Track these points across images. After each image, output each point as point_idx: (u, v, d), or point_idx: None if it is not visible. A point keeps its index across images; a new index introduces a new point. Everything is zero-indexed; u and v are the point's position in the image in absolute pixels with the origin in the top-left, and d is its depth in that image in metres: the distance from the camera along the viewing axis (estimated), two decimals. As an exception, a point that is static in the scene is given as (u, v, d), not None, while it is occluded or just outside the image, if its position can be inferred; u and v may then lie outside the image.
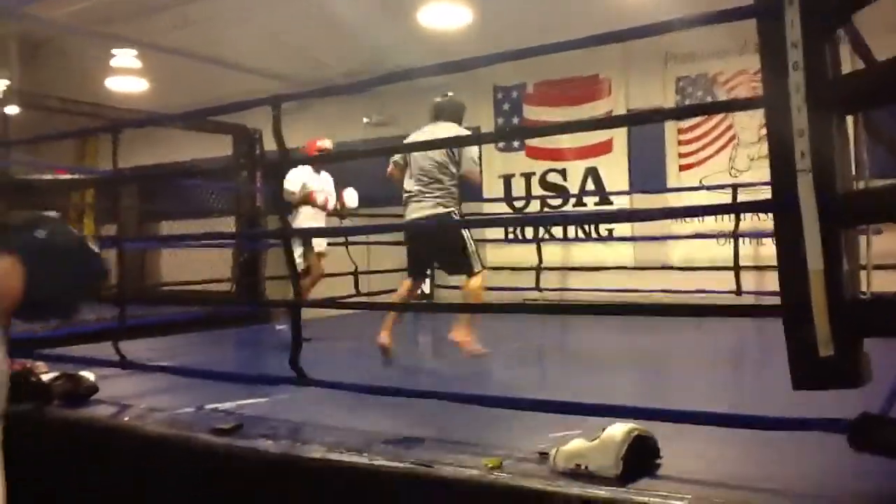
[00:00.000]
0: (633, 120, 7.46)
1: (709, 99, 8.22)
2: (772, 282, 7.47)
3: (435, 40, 7.28)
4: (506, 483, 2.34)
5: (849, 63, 2.48)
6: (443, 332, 5.25)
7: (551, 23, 7.66)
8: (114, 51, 8.86)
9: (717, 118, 8.15)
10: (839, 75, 2.23)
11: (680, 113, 8.04)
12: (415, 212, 4.91)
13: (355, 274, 8.27)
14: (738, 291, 7.35)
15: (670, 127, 8.32)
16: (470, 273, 4.89)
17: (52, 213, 1.68)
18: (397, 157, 5.12)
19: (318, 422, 3.13)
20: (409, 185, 5.01)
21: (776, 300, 2.30)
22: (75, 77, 9.17)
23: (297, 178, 6.15)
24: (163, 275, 10.60)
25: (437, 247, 5.07)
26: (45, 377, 3.80)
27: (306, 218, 6.40)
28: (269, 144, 7.92)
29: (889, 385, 2.36)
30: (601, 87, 8.70)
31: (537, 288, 8.59)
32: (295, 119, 3.67)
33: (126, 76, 9.09)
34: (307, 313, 3.86)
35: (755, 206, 3.17)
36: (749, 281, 7.43)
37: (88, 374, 3.82)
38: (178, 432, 3.03)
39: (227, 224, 8.52)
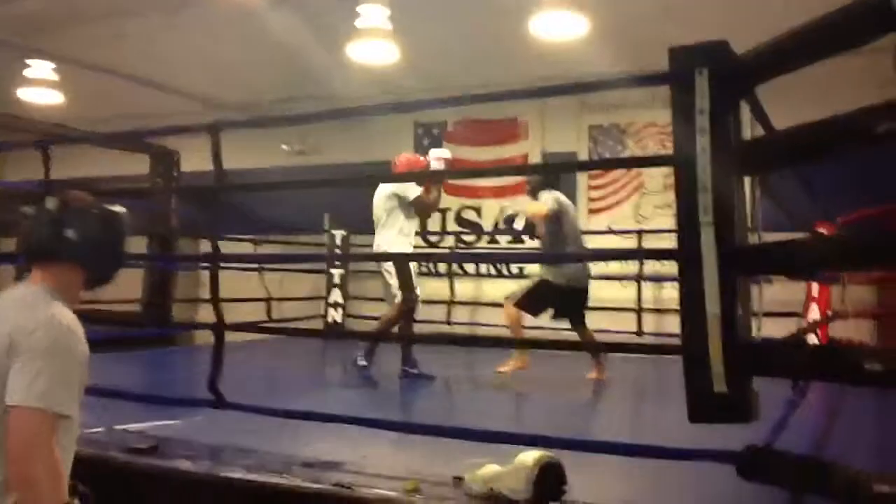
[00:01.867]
0: (548, 169, 7.75)
1: (619, 147, 8.66)
2: (670, 324, 7.91)
3: (363, 71, 7.42)
4: (423, 504, 2.45)
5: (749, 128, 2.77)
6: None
7: (475, 60, 7.98)
8: (28, 61, 8.61)
9: (624, 167, 8.57)
10: (740, 141, 2.48)
11: (596, 165, 8.44)
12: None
13: (268, 300, 8.24)
14: (640, 332, 7.72)
15: (582, 173, 8.69)
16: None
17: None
18: None
19: (235, 444, 3.17)
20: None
21: (675, 341, 2.51)
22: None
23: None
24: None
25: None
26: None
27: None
28: (186, 165, 7.95)
29: (773, 420, 2.60)
30: (519, 129, 9.03)
31: (448, 322, 8.75)
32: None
33: (40, 87, 8.84)
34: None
35: (661, 254, 3.43)
36: (649, 322, 7.81)
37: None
38: (95, 452, 3.01)
39: (137, 243, 8.36)
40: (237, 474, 2.76)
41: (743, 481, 2.37)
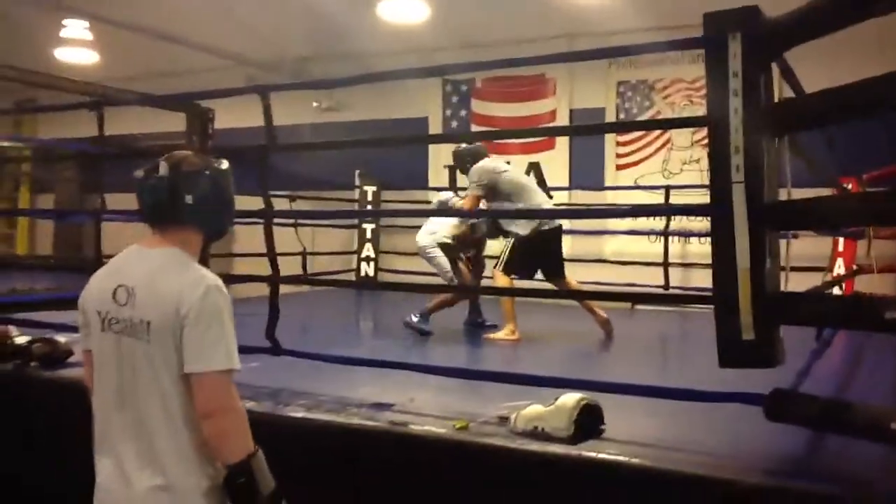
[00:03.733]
0: (579, 130, 7.87)
1: (646, 103, 8.71)
2: (696, 279, 8.00)
3: (391, 28, 7.52)
4: (473, 441, 2.68)
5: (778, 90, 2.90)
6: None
7: (503, 17, 8.03)
8: (64, 21, 8.79)
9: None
10: (771, 102, 2.62)
11: (632, 126, 8.49)
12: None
13: (304, 254, 8.47)
14: (667, 286, 7.86)
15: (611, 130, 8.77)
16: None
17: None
18: None
19: (292, 388, 3.40)
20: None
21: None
22: (21, 46, 9.06)
23: None
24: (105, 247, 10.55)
25: None
26: (19, 340, 3.97)
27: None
28: (220, 123, 8.10)
29: (798, 367, 2.78)
30: (547, 86, 9.09)
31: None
32: (244, 99, 3.89)
33: (76, 47, 9.02)
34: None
35: (694, 210, 3.56)
36: (675, 277, 7.96)
37: (62, 339, 3.99)
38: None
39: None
40: (298, 413, 2.99)
41: (769, 422, 2.56)
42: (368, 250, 9.47)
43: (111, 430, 1.96)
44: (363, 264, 9.43)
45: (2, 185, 12.77)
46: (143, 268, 1.96)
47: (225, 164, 2.12)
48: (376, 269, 9.47)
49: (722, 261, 2.63)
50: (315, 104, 10.32)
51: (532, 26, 8.08)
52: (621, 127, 8.49)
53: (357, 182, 9.54)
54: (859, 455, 2.42)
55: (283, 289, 3.69)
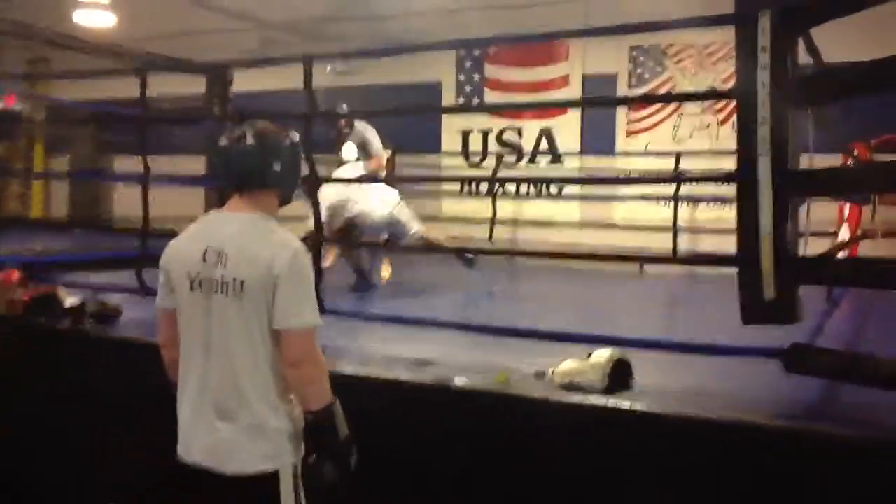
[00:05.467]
0: (603, 101, 7.98)
1: (658, 69, 8.83)
2: (705, 244, 8.18)
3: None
4: (516, 393, 2.89)
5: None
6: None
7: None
8: (82, -17, 8.85)
9: (665, 89, 8.76)
10: (797, 76, 2.79)
11: (659, 99, 8.62)
12: None
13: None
14: (675, 252, 8.06)
15: (621, 95, 8.90)
16: None
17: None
18: None
19: (338, 346, 3.60)
20: None
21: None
22: (38, 9, 9.14)
23: None
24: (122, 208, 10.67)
25: None
26: (70, 300, 4.18)
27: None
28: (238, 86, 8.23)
29: (811, 325, 2.99)
30: (560, 50, 9.20)
31: (490, 240, 9.11)
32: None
33: (94, 9, 9.09)
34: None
35: (720, 178, 3.73)
36: (683, 241, 8.16)
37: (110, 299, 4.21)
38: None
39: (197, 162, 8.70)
40: (348, 370, 3.20)
41: (786, 374, 2.77)
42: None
43: (197, 380, 2.15)
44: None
45: (16, 144, 12.86)
46: (231, 230, 2.14)
47: (297, 136, 2.32)
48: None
49: (746, 226, 2.82)
50: (329, 67, 10.40)
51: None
52: (645, 100, 8.62)
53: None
54: (873, 402, 2.64)
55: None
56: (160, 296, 2.26)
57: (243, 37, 10.15)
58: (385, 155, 6.18)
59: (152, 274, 4.58)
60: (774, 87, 2.71)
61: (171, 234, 2.28)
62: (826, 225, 6.93)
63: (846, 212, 7.18)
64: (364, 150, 6.71)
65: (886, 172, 2.84)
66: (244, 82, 7.81)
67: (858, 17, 2.78)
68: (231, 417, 2.10)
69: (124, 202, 10.32)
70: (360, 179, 5.77)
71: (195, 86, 8.85)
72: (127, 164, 11.09)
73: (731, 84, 7.76)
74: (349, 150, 6.54)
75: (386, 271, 6.80)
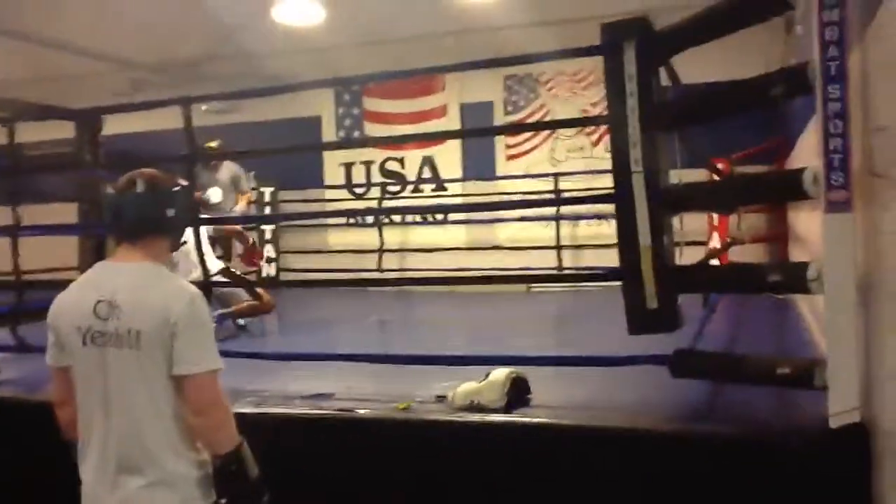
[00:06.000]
0: (482, 132, 8.25)
1: (532, 95, 9.15)
2: (587, 258, 8.49)
3: (286, 30, 7.59)
4: (418, 419, 2.94)
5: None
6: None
7: (395, 15, 8.22)
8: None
9: (539, 115, 9.07)
10: (662, 102, 2.99)
11: (536, 127, 8.90)
12: None
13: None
14: (560, 267, 8.35)
15: (499, 122, 9.17)
16: None
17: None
18: None
19: (232, 387, 3.53)
20: None
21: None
22: None
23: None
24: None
25: None
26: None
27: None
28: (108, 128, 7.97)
29: (694, 328, 3.19)
30: (437, 82, 9.37)
31: (379, 269, 9.14)
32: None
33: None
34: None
35: (600, 198, 3.91)
36: (566, 258, 8.46)
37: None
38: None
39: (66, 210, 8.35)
40: (247, 409, 3.15)
41: (672, 379, 2.94)
42: (269, 251, 9.52)
43: (98, 439, 2.08)
44: (264, 265, 9.47)
45: None
46: (124, 281, 2.09)
47: (185, 182, 2.31)
48: (278, 269, 9.54)
49: (626, 240, 2.99)
50: (204, 107, 10.20)
51: (422, 23, 8.32)
52: (520, 129, 8.91)
53: (253, 183, 9.54)
54: (754, 400, 2.84)
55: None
56: (50, 354, 2.18)
57: (113, 80, 9.84)
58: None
59: (29, 329, 4.42)
60: (643, 112, 2.89)
61: (48, 286, 2.21)
62: (697, 235, 7.39)
63: (715, 221, 7.67)
64: (235, 186, 6.72)
65: (742, 186, 3.09)
66: (114, 125, 7.58)
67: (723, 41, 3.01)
68: (136, 472, 2.04)
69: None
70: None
71: (64, 131, 8.54)
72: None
73: (600, 107, 8.17)
74: (215, 193, 6.56)
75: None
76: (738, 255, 6.97)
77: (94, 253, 8.15)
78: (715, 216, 7.39)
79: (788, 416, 2.77)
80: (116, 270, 2.15)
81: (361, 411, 3.06)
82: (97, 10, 7.99)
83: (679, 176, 3.36)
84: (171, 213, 2.16)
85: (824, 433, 2.37)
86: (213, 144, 6.47)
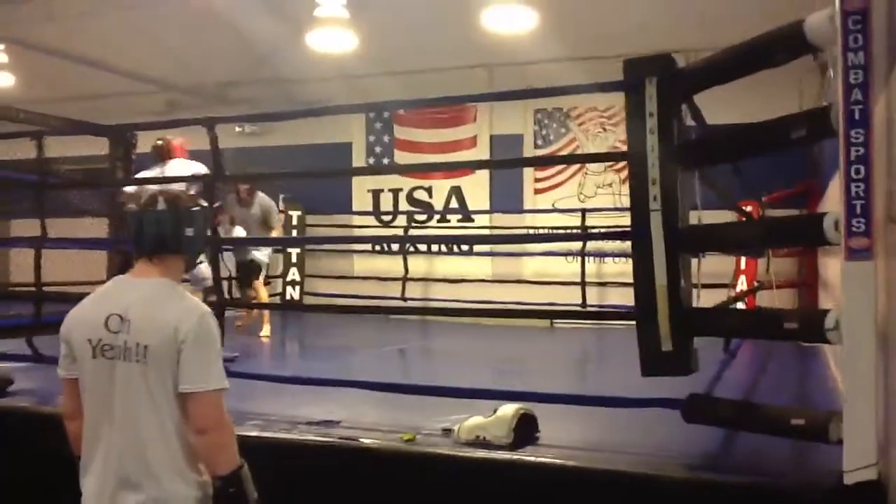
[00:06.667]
0: (510, 163, 8.30)
1: (562, 130, 9.13)
2: (612, 296, 8.41)
3: (318, 55, 7.68)
4: (422, 451, 2.88)
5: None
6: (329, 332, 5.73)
7: (427, 46, 8.30)
8: (-22, 43, 8.61)
9: (569, 149, 9.04)
10: (683, 140, 2.95)
11: (555, 161, 8.90)
12: None
13: (229, 279, 8.48)
14: (584, 304, 8.25)
15: (528, 154, 9.15)
16: None
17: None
18: None
19: (239, 409, 3.51)
20: None
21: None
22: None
23: None
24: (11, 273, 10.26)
25: None
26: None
27: None
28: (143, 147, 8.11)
29: (709, 375, 3.11)
30: (468, 113, 9.41)
31: (402, 298, 9.11)
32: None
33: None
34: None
35: (616, 235, 3.85)
36: (592, 295, 8.36)
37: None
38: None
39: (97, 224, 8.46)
40: (252, 433, 3.13)
41: (687, 424, 2.86)
42: (294, 274, 9.55)
43: (102, 452, 2.08)
44: (288, 287, 9.50)
45: None
46: (136, 296, 2.10)
47: (205, 203, 2.34)
48: (301, 293, 9.56)
49: (642, 280, 2.93)
50: (238, 129, 10.34)
51: (454, 56, 8.38)
52: (546, 161, 8.90)
53: (282, 206, 9.62)
54: (768, 449, 2.74)
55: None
56: (62, 365, 2.19)
57: (149, 100, 10.03)
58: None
59: (46, 341, 4.45)
60: (663, 149, 2.85)
61: (68, 300, 2.22)
62: (724, 277, 7.27)
63: (742, 264, 7.54)
64: (265, 222, 6.84)
65: (763, 229, 3.02)
66: (146, 143, 7.70)
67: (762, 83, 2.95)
68: (135, 489, 2.03)
69: (25, 268, 9.90)
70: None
71: (98, 147, 8.70)
72: (25, 227, 10.73)
73: (628, 145, 7.97)
74: (239, 232, 6.80)
75: (266, 330, 6.98)
76: (766, 300, 6.85)
77: (120, 268, 8.26)
78: (742, 259, 7.26)
79: (803, 467, 2.67)
80: (132, 285, 2.17)
81: (365, 440, 3.01)
82: (135, 32, 8.17)
83: (700, 217, 3.30)
84: (189, 232, 2.19)
85: (839, 489, 2.27)
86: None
